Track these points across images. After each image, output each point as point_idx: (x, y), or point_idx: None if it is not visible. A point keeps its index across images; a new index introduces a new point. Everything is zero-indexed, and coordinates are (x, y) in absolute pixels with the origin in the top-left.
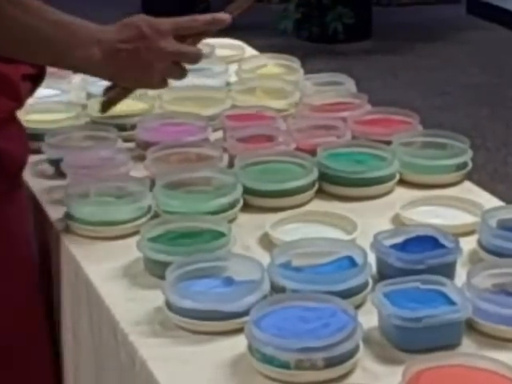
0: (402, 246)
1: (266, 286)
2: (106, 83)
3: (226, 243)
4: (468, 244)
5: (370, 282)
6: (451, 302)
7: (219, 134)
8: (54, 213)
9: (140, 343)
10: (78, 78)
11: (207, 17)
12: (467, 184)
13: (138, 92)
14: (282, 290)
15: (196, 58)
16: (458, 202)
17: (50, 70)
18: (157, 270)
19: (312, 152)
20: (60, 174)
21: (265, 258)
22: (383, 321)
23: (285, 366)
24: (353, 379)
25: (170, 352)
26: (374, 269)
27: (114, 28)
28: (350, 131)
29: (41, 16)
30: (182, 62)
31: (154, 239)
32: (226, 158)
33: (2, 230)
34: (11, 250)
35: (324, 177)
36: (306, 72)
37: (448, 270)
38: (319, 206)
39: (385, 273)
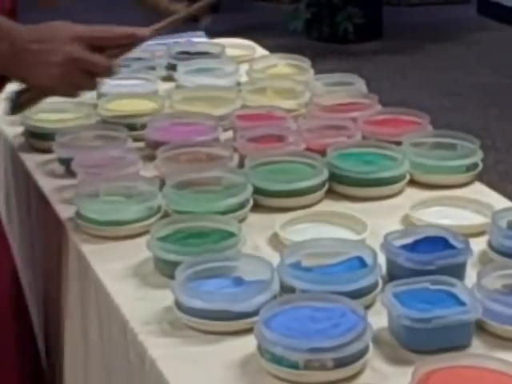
0: (412, 247)
1: (276, 286)
2: (113, 81)
3: (236, 243)
4: (478, 245)
5: (380, 282)
6: (461, 303)
7: (229, 134)
8: (64, 212)
9: (149, 343)
10: None
11: (126, 30)
12: (477, 185)
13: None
14: (292, 290)
15: (106, 70)
16: (468, 202)
17: None
18: (166, 269)
19: (322, 152)
20: (70, 173)
21: (274, 258)
22: (393, 321)
23: (294, 366)
24: (362, 380)
25: (180, 352)
26: (383, 269)
27: (31, 28)
28: (360, 131)
29: None
30: (91, 71)
31: (163, 239)
32: (236, 157)
33: None
34: None
35: (334, 177)
36: (316, 72)
37: (458, 271)
38: (329, 206)
39: (395, 273)
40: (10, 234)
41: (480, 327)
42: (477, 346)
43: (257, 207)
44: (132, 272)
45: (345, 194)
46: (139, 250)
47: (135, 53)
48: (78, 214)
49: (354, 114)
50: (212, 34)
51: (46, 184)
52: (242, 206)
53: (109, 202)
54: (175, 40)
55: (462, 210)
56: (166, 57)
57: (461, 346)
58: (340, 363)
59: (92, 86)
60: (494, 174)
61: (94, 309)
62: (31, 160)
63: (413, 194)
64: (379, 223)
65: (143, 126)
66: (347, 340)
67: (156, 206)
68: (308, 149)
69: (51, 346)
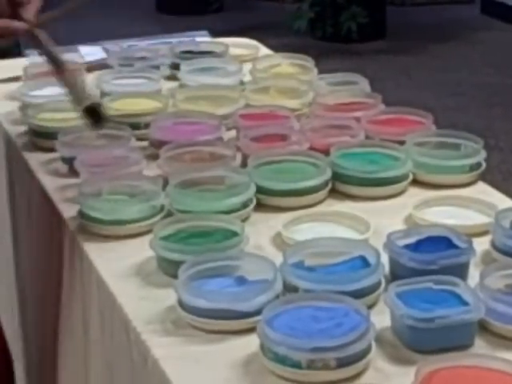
0: (415, 247)
1: (279, 286)
2: (116, 80)
3: (239, 242)
4: (481, 245)
5: (383, 282)
6: (464, 303)
7: (233, 133)
8: (67, 211)
9: (152, 342)
10: (91, 77)
11: (3, 22)
12: (481, 184)
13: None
14: (295, 289)
15: None
16: (472, 202)
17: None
18: (169, 268)
19: (325, 152)
20: (73, 172)
21: (277, 257)
22: (396, 321)
23: (297, 365)
24: (365, 379)
25: (183, 351)
26: (386, 269)
27: None
28: (363, 131)
29: None
30: None
31: (166, 238)
32: (239, 157)
33: None
34: None
35: (337, 176)
36: (320, 71)
37: (461, 271)
38: (332, 205)
39: (397, 273)
40: (14, 233)
41: (483, 327)
42: (479, 345)
43: (260, 206)
44: (135, 271)
45: (348, 194)
46: (142, 249)
47: (139, 52)
48: (81, 213)
49: (358, 114)
50: (215, 33)
51: (49, 183)
52: (244, 205)
53: (112, 201)
54: (179, 39)
55: (466, 209)
56: (170, 56)
57: (463, 346)
58: (343, 363)
59: None
60: (497, 173)
61: (96, 308)
62: (34, 159)
63: (416, 194)
64: (382, 223)
65: (146, 125)
66: (350, 340)
67: (159, 205)
68: (311, 148)
69: (47, 346)
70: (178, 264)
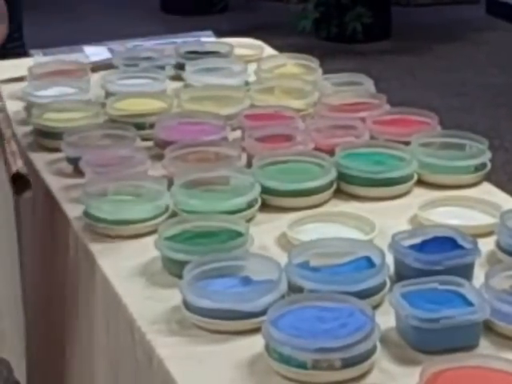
0: (420, 247)
1: (284, 286)
2: (121, 80)
3: (244, 243)
4: (486, 245)
5: (388, 282)
6: (469, 303)
7: (237, 134)
8: (72, 211)
9: (157, 342)
10: (97, 77)
11: None
12: (486, 185)
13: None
14: (300, 289)
15: None
16: (477, 202)
17: (68, 68)
18: (174, 269)
19: (330, 152)
20: (78, 172)
21: (282, 257)
22: (401, 321)
23: (302, 366)
24: (370, 380)
25: (187, 351)
26: (391, 269)
27: None
28: (368, 131)
29: None
30: None
31: (171, 238)
32: (244, 157)
33: None
34: None
35: (342, 177)
36: (325, 72)
37: (466, 271)
38: (337, 206)
39: (403, 273)
40: (18, 233)
41: (488, 327)
42: (485, 346)
43: (265, 207)
44: (140, 271)
45: (353, 194)
46: (147, 250)
47: (144, 52)
48: (86, 213)
49: (363, 114)
50: (220, 33)
51: (54, 183)
52: (249, 205)
53: (117, 201)
54: (184, 39)
55: (471, 210)
56: (175, 56)
57: (468, 347)
58: (348, 363)
59: None
60: (502, 174)
61: (102, 308)
62: (39, 159)
63: (421, 194)
64: (387, 223)
65: (151, 126)
66: (355, 340)
67: (164, 206)
68: (316, 148)
69: (52, 346)
70: (182, 264)
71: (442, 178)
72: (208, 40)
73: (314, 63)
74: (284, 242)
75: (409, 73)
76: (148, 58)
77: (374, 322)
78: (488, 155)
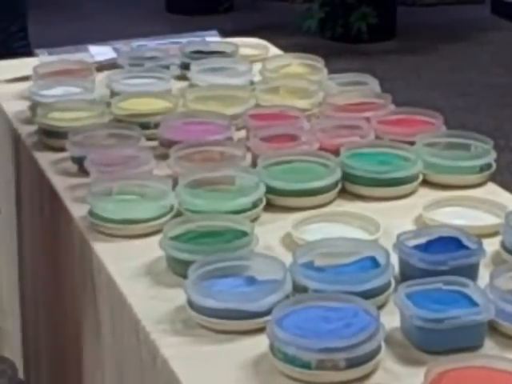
0: (425, 247)
1: (288, 286)
2: (126, 80)
3: (249, 242)
4: (491, 245)
5: (393, 282)
6: (474, 304)
7: (242, 133)
8: (77, 210)
9: (161, 342)
10: (102, 76)
11: None
12: (491, 185)
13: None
14: (304, 289)
15: None
16: (481, 203)
17: (73, 68)
18: (179, 268)
19: (335, 152)
20: (83, 171)
21: (287, 257)
22: (405, 322)
23: (306, 366)
24: (374, 380)
25: (192, 351)
26: (396, 269)
27: None
28: (373, 131)
29: None
30: None
31: (176, 238)
32: (249, 157)
33: None
34: None
35: (347, 177)
36: (330, 72)
37: (471, 272)
38: (342, 205)
39: (407, 273)
40: (19, 233)
41: (493, 328)
42: (489, 346)
43: (269, 207)
44: (144, 271)
45: (358, 194)
46: (152, 249)
47: (149, 52)
48: (91, 213)
49: (368, 114)
50: (225, 33)
51: (59, 182)
52: (254, 205)
53: (122, 201)
54: (189, 39)
55: (475, 210)
56: (180, 56)
57: (473, 347)
58: (352, 363)
59: None
60: (507, 174)
61: (107, 307)
62: (44, 158)
63: (426, 194)
64: (392, 223)
65: (156, 125)
66: (360, 340)
67: (169, 205)
68: (321, 148)
69: (58, 346)
70: (187, 264)
71: (446, 178)
72: (213, 40)
73: (319, 63)
74: (289, 242)
75: (414, 73)
76: (153, 58)
77: (378, 322)
78: (493, 155)
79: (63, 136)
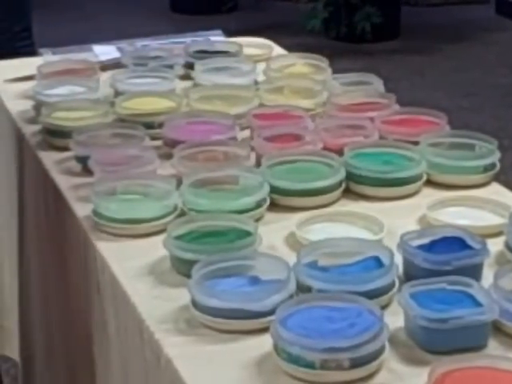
0: (429, 247)
1: (292, 286)
2: (130, 79)
3: (252, 242)
4: (495, 245)
5: (397, 282)
6: (478, 304)
7: (246, 133)
8: (81, 210)
9: (165, 341)
10: (106, 76)
11: None
12: (495, 185)
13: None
14: (308, 289)
15: None
16: (486, 203)
17: (77, 67)
18: (183, 268)
19: (339, 152)
20: (87, 171)
21: (291, 257)
22: (409, 322)
23: (310, 365)
24: (378, 380)
25: (196, 350)
26: (400, 269)
27: None
28: (377, 131)
29: None
30: None
31: (180, 237)
32: (253, 156)
33: None
34: None
35: (351, 177)
36: (334, 71)
37: (475, 272)
38: (346, 205)
39: (411, 273)
40: (20, 232)
41: (497, 328)
42: (493, 347)
43: (273, 206)
44: (148, 270)
45: (362, 194)
46: (156, 249)
47: (153, 51)
48: (95, 212)
49: (372, 114)
50: (230, 32)
51: (63, 182)
52: (258, 205)
53: (126, 201)
54: (193, 39)
55: (480, 210)
56: (184, 55)
57: (477, 347)
58: (356, 363)
59: None
60: (511, 174)
61: (111, 307)
62: (48, 158)
63: (430, 194)
64: (396, 223)
65: (160, 125)
66: (363, 340)
67: (173, 205)
68: (325, 148)
69: (67, 346)
70: (191, 263)
71: (450, 178)
72: (217, 39)
73: (324, 63)
74: (292, 242)
75: (418, 73)
76: (157, 58)
77: (382, 322)
78: (497, 155)
79: (67, 135)
